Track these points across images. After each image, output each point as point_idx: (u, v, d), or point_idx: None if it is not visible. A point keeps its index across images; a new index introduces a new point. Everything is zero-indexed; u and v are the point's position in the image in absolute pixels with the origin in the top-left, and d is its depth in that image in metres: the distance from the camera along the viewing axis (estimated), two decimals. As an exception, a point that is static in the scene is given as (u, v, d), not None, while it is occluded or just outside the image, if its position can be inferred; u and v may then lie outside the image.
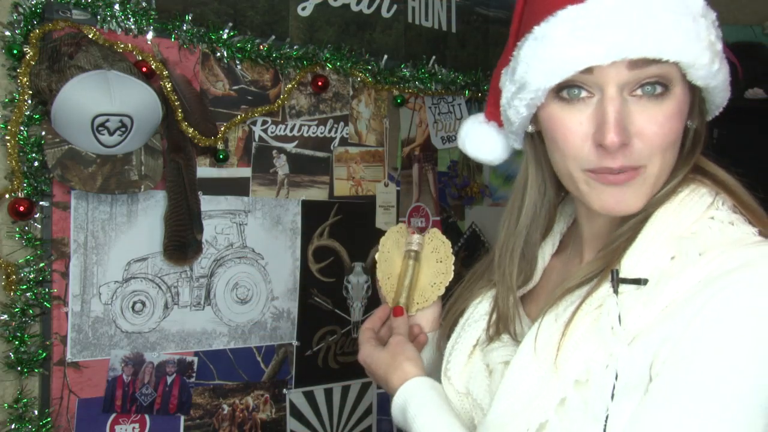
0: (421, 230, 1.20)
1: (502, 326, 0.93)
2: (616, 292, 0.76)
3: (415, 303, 1.08)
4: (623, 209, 0.80)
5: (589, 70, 0.75)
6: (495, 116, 0.95)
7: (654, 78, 0.75)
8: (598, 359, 0.75)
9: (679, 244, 0.77)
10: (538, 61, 0.78)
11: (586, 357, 0.75)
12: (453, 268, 1.06)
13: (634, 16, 0.72)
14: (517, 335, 0.91)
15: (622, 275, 0.77)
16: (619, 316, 0.74)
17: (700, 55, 0.75)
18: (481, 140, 0.98)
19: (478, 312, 0.98)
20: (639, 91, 0.76)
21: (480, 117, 0.99)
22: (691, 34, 0.74)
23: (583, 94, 0.78)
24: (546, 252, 0.99)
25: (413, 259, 1.08)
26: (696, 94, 0.82)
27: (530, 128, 0.89)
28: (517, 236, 0.96)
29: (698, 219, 0.80)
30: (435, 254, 1.08)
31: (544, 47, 0.77)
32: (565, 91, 0.78)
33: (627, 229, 0.82)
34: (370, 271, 1.17)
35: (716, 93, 0.82)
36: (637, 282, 0.75)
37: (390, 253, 1.12)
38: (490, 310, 0.96)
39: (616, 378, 0.73)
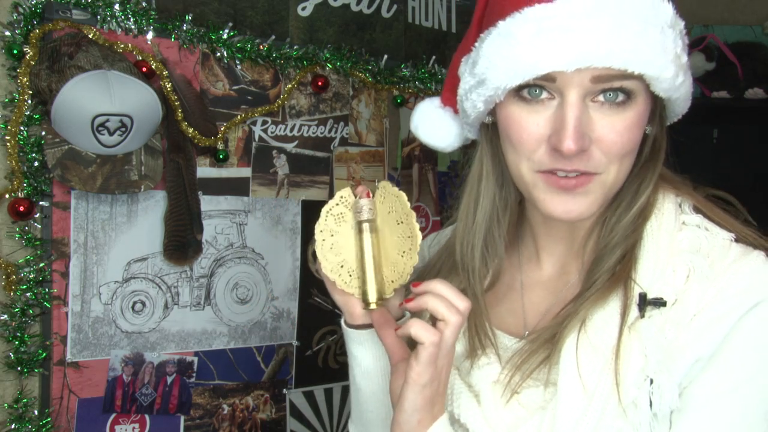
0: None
1: (477, 338, 0.87)
2: (643, 315, 0.75)
3: (390, 282, 0.86)
4: (571, 217, 0.78)
5: (551, 76, 0.73)
6: (451, 102, 0.90)
7: (618, 89, 0.74)
8: (641, 385, 0.74)
9: (690, 260, 0.77)
10: (500, 59, 0.75)
11: (632, 385, 0.74)
12: (417, 225, 0.84)
13: (604, 23, 0.70)
14: (484, 344, 0.86)
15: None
16: (653, 340, 0.74)
17: (665, 68, 0.73)
18: (436, 126, 0.93)
19: None
20: (601, 97, 0.74)
21: (435, 101, 0.93)
22: (658, 46, 0.72)
23: (544, 95, 0.75)
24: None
25: (370, 231, 0.85)
26: (658, 103, 0.81)
27: (487, 119, 0.85)
28: (476, 231, 0.90)
29: (679, 227, 0.80)
30: (393, 215, 0.84)
31: (508, 45, 0.74)
32: (525, 90, 0.76)
33: (617, 243, 0.81)
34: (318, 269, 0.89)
35: (677, 103, 0.81)
36: (656, 303, 0.75)
37: (335, 236, 0.87)
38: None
39: (651, 405, 0.73)
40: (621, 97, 0.74)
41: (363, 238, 0.85)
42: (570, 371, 0.76)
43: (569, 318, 0.79)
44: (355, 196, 0.87)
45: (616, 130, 0.74)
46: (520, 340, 0.85)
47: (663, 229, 0.80)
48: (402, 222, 0.84)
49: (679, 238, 0.79)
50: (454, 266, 0.93)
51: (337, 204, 0.87)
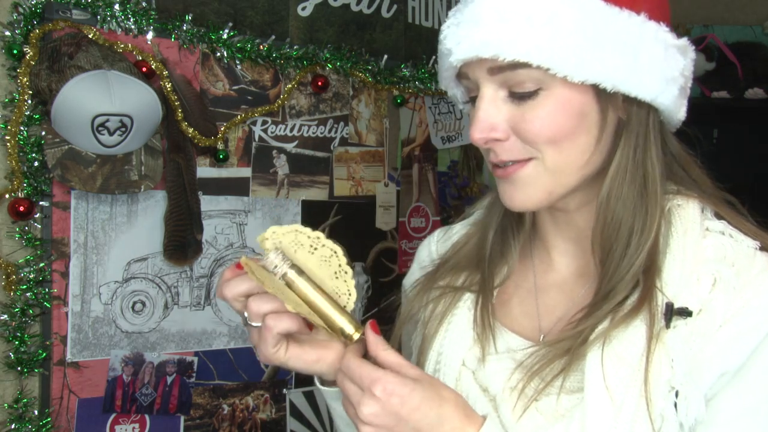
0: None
1: (489, 341, 0.84)
2: (669, 326, 0.73)
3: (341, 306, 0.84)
4: (517, 205, 0.78)
5: (463, 74, 0.76)
6: None
7: (523, 80, 0.73)
8: (666, 396, 0.72)
9: (715, 269, 0.74)
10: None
11: (659, 396, 0.72)
12: (333, 242, 0.81)
13: (486, 17, 0.71)
14: (495, 343, 0.84)
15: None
16: (679, 351, 0.72)
17: (556, 55, 0.70)
18: None
19: (458, 327, 0.87)
20: (516, 89, 0.74)
21: None
22: (548, 33, 0.70)
23: (474, 93, 0.78)
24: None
25: (297, 275, 0.81)
26: (611, 93, 0.74)
27: None
28: (492, 228, 0.90)
29: (703, 234, 0.77)
30: (303, 248, 0.82)
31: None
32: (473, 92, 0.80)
33: (640, 248, 0.77)
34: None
35: (643, 90, 0.74)
36: (682, 313, 0.73)
37: (285, 294, 0.81)
38: (473, 319, 0.87)
39: (675, 411, 0.71)
40: (525, 87, 0.73)
41: (298, 287, 0.80)
42: (596, 381, 0.73)
43: (591, 326, 0.76)
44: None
45: (528, 119, 0.74)
46: (534, 344, 0.82)
47: (689, 236, 0.76)
48: (315, 248, 0.81)
49: (704, 245, 0.76)
50: (468, 262, 0.92)
51: (251, 272, 0.80)
